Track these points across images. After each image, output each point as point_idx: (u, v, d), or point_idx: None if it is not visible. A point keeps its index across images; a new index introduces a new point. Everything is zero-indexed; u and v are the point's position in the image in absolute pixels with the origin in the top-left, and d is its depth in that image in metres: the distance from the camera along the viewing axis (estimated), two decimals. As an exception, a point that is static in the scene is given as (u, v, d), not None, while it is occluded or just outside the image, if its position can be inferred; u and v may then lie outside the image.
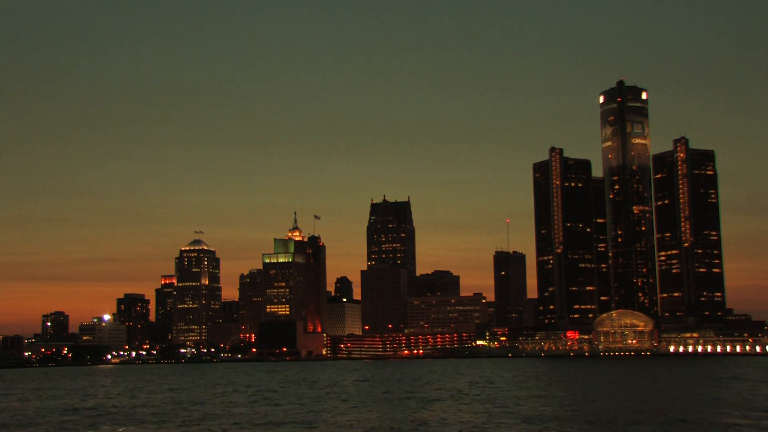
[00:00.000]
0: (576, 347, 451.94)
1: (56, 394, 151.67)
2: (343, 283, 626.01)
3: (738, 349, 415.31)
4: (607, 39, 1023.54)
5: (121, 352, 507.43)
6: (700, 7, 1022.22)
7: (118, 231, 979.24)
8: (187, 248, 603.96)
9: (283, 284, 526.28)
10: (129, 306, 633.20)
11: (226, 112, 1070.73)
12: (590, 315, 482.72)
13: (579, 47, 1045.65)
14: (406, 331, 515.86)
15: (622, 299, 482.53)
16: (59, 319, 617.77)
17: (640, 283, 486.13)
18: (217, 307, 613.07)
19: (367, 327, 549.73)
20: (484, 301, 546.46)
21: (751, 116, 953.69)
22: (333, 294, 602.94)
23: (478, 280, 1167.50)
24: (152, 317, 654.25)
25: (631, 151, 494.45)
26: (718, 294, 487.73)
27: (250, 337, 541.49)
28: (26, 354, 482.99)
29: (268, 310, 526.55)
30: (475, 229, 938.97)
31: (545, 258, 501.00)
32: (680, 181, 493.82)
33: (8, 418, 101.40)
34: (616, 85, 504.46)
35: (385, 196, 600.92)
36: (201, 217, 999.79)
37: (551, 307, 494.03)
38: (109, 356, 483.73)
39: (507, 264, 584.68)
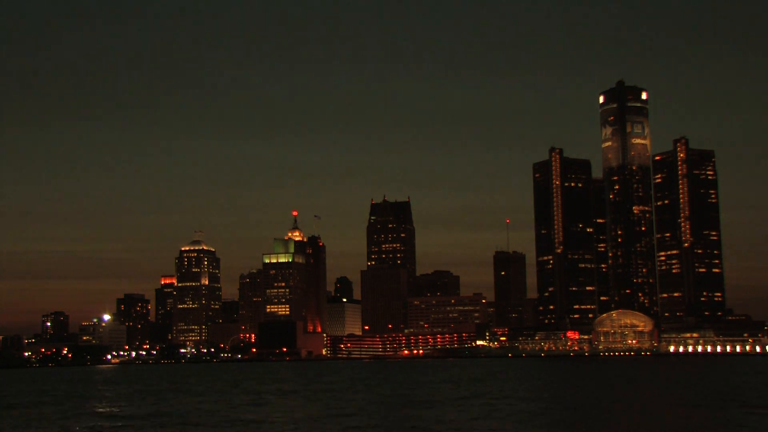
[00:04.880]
0: (576, 347, 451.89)
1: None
2: (343, 283, 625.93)
3: (738, 349, 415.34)
4: (607, 39, 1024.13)
5: (121, 352, 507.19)
6: (700, 7, 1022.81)
7: (117, 231, 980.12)
8: (187, 248, 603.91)
9: (283, 284, 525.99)
10: (129, 306, 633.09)
11: (225, 113, 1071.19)
12: (590, 315, 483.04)
13: (579, 47, 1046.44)
14: (406, 331, 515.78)
15: (622, 299, 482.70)
16: (59, 319, 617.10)
17: (640, 283, 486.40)
18: (217, 307, 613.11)
19: (367, 327, 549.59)
20: (484, 301, 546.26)
21: (751, 116, 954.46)
22: (333, 294, 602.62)
23: (478, 279, 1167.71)
24: (152, 317, 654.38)
25: (631, 151, 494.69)
26: (718, 294, 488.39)
27: (250, 337, 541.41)
28: (26, 354, 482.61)
29: (268, 310, 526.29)
30: (475, 228, 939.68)
31: (545, 258, 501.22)
32: (680, 181, 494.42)
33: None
34: (616, 85, 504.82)
35: (385, 196, 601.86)
36: (201, 217, 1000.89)
37: (551, 307, 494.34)
38: (109, 356, 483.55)
39: (507, 264, 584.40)
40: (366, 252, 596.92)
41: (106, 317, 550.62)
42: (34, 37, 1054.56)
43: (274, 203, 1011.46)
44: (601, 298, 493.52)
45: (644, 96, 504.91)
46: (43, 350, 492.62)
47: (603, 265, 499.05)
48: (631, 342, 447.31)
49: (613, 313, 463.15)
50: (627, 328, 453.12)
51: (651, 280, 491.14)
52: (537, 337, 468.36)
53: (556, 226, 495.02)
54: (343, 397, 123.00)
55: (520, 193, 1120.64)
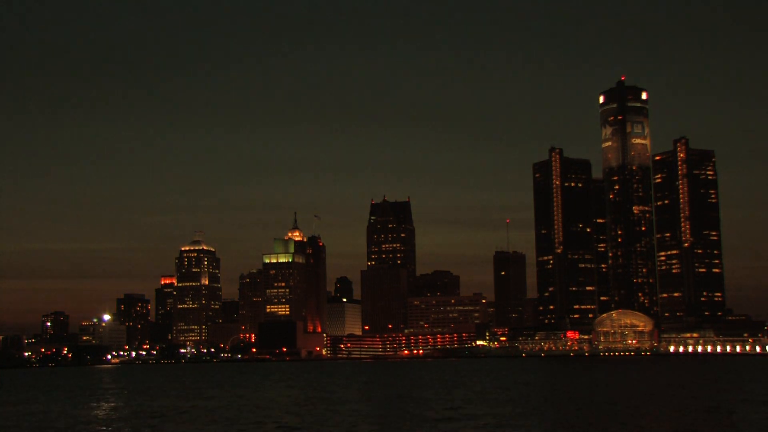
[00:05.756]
0: (576, 347, 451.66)
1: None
2: (343, 283, 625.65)
3: (738, 349, 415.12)
4: (607, 39, 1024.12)
5: (121, 352, 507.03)
6: (700, 6, 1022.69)
7: (118, 231, 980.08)
8: (187, 248, 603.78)
9: (283, 284, 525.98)
10: (129, 306, 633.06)
11: (225, 113, 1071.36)
12: (590, 315, 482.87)
13: (579, 47, 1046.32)
14: (406, 331, 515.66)
15: (622, 299, 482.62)
16: (59, 319, 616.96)
17: (640, 283, 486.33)
18: (217, 307, 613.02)
19: (367, 327, 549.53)
20: (484, 301, 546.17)
21: (751, 116, 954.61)
22: (333, 294, 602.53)
23: (478, 279, 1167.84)
24: (152, 317, 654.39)
25: (631, 151, 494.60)
26: (718, 294, 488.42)
27: (250, 337, 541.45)
28: (26, 354, 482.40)
29: (268, 310, 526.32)
30: (475, 228, 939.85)
31: (545, 258, 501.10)
32: (680, 181, 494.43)
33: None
34: (616, 85, 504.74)
35: (385, 196, 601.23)
36: (201, 217, 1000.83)
37: (551, 307, 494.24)
38: (109, 356, 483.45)
39: (507, 264, 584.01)
40: (366, 252, 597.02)
41: (106, 317, 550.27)
42: (34, 35, 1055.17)
43: (274, 203, 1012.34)
44: (601, 298, 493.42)
45: (644, 96, 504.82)
46: (43, 350, 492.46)
47: (603, 265, 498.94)
48: (631, 342, 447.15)
49: (613, 313, 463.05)
50: (627, 328, 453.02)
51: (651, 280, 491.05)
52: (537, 337, 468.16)
53: (556, 226, 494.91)
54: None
55: (520, 193, 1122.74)
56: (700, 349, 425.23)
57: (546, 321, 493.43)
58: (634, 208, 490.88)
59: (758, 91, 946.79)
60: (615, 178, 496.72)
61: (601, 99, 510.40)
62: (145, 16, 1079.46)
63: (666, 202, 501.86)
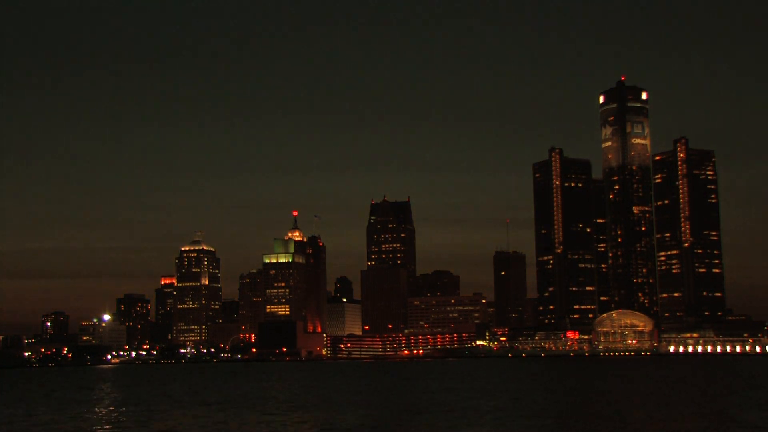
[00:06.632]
0: (576, 347, 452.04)
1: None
2: (343, 283, 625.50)
3: (738, 349, 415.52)
4: (607, 39, 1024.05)
5: (121, 353, 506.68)
6: (700, 6, 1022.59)
7: (117, 231, 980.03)
8: (187, 248, 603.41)
9: (283, 284, 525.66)
10: (129, 306, 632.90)
11: (225, 113, 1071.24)
12: (590, 315, 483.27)
13: (579, 47, 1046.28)
14: (406, 331, 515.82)
15: (622, 299, 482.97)
16: (59, 319, 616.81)
17: (640, 283, 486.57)
18: (217, 307, 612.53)
19: (367, 327, 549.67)
20: (484, 301, 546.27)
21: (751, 116, 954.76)
22: (333, 294, 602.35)
23: (478, 279, 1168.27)
24: (152, 317, 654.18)
25: (631, 151, 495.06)
26: (718, 294, 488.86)
27: (250, 337, 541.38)
28: (26, 354, 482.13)
29: (268, 310, 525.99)
30: (475, 228, 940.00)
31: (545, 258, 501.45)
32: (680, 182, 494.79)
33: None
34: (616, 85, 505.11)
35: (385, 196, 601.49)
36: (201, 217, 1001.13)
37: (551, 307, 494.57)
38: (109, 356, 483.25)
39: (507, 264, 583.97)
40: (366, 252, 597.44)
41: (106, 317, 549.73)
42: (34, 34, 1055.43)
43: (274, 203, 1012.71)
44: (601, 298, 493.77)
45: (644, 96, 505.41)
46: (43, 350, 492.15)
47: (603, 265, 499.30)
48: (631, 342, 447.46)
49: (613, 313, 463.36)
50: (627, 328, 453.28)
51: (651, 280, 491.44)
52: (537, 337, 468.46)
53: (556, 226, 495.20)
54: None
55: (520, 193, 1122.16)
56: (700, 349, 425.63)
57: (546, 321, 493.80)
58: (634, 208, 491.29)
59: (758, 91, 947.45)
60: (615, 178, 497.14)
61: (601, 99, 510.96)
62: (147, 13, 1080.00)
63: (666, 202, 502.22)
